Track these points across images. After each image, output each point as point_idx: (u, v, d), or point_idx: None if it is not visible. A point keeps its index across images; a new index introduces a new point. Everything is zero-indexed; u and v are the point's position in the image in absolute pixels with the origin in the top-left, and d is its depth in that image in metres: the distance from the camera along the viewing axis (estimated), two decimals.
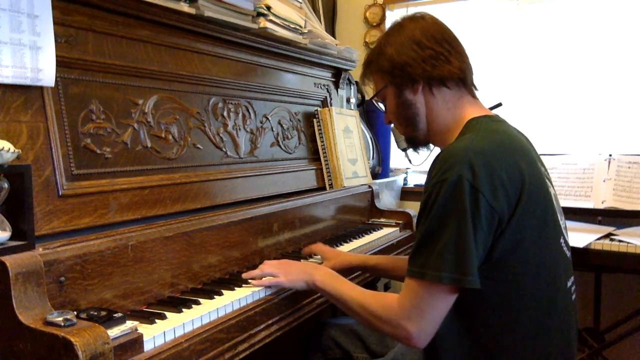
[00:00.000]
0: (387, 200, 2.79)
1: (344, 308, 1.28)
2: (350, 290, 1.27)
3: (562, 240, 1.23)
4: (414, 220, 2.31)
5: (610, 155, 2.40)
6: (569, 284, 1.24)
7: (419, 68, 1.24)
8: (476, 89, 1.32)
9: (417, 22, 1.29)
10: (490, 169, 1.09)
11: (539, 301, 1.15)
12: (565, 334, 1.21)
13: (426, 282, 1.10)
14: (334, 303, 1.34)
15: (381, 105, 1.40)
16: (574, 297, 1.25)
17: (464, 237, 1.07)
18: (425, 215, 1.13)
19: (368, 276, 1.84)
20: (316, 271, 1.35)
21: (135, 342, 0.97)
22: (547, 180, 1.24)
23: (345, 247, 1.84)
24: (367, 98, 3.00)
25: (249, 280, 1.37)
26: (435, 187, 1.11)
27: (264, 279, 1.37)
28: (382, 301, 1.20)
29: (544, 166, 1.28)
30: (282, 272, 1.36)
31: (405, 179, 3.17)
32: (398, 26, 1.31)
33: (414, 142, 1.38)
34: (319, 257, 1.69)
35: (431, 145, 1.39)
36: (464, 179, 1.07)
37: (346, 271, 1.62)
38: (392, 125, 1.43)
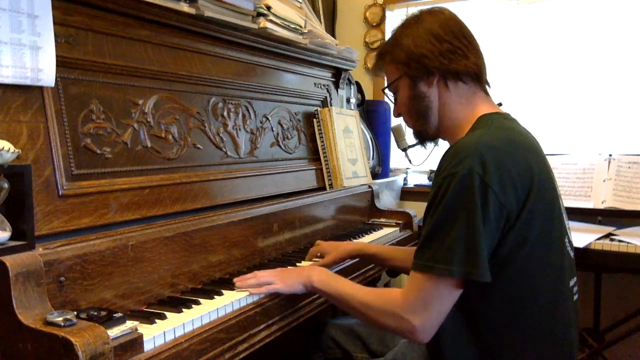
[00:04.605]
0: (387, 200, 2.79)
1: (344, 306, 1.27)
2: (349, 288, 1.26)
3: (566, 240, 1.23)
4: (414, 221, 2.31)
5: (610, 155, 2.40)
6: (572, 284, 1.23)
7: (436, 61, 1.24)
8: (489, 86, 1.32)
9: (436, 15, 1.28)
10: (501, 164, 1.09)
11: (542, 300, 1.15)
12: (567, 333, 1.21)
13: (434, 276, 1.09)
14: (333, 302, 1.33)
15: (392, 97, 1.39)
16: (575, 297, 1.25)
17: (475, 231, 1.06)
18: (434, 208, 1.12)
19: (369, 276, 1.85)
20: (313, 272, 1.33)
21: (135, 342, 0.97)
22: (554, 180, 1.24)
23: None
24: (366, 97, 3.00)
25: (245, 289, 1.31)
26: (445, 180, 1.10)
27: (262, 287, 1.32)
28: (385, 295, 1.19)
29: (549, 167, 1.27)
30: (278, 279, 1.33)
31: (405, 179, 3.17)
32: (416, 19, 1.30)
33: (422, 136, 1.37)
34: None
35: (439, 141, 1.38)
36: (475, 172, 1.07)
37: (346, 259, 1.67)
38: (392, 125, 1.43)
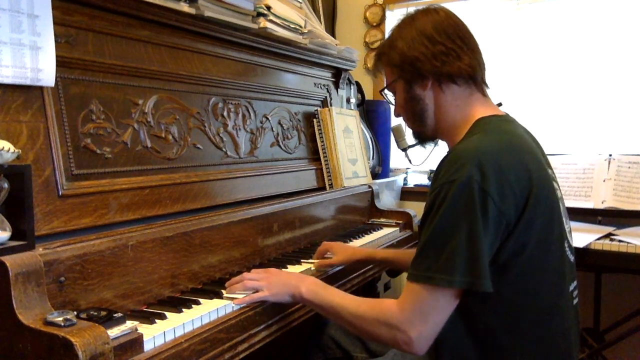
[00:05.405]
0: (387, 200, 2.79)
1: (335, 317, 1.24)
2: (340, 299, 1.22)
3: (566, 244, 1.21)
4: (414, 221, 2.31)
5: (610, 155, 2.40)
6: (571, 288, 1.23)
7: (428, 64, 1.22)
8: (487, 86, 1.30)
9: (431, 15, 1.26)
10: (499, 171, 1.07)
11: (542, 304, 1.14)
12: (567, 337, 1.20)
13: (432, 286, 1.07)
14: (322, 313, 1.28)
15: (391, 99, 1.39)
16: (575, 301, 1.24)
17: (476, 240, 1.04)
18: (431, 216, 1.10)
19: (369, 276, 1.85)
20: (302, 282, 1.28)
21: (135, 342, 0.97)
22: (554, 183, 1.22)
23: None
24: (366, 97, 3.00)
25: (230, 295, 1.28)
26: (444, 187, 1.08)
27: (247, 297, 1.27)
28: (379, 306, 1.16)
29: (550, 168, 1.25)
30: (265, 285, 1.29)
31: (405, 179, 3.17)
32: (411, 19, 1.29)
33: (421, 137, 1.37)
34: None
35: (438, 141, 1.37)
36: (474, 180, 1.05)
37: (354, 264, 1.67)
38: (392, 125, 1.42)
